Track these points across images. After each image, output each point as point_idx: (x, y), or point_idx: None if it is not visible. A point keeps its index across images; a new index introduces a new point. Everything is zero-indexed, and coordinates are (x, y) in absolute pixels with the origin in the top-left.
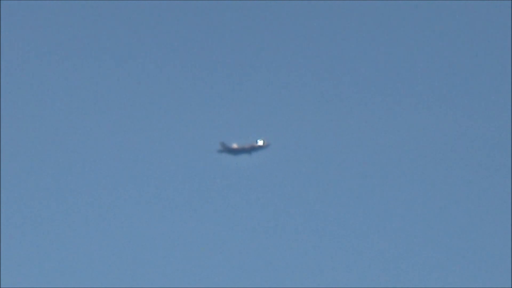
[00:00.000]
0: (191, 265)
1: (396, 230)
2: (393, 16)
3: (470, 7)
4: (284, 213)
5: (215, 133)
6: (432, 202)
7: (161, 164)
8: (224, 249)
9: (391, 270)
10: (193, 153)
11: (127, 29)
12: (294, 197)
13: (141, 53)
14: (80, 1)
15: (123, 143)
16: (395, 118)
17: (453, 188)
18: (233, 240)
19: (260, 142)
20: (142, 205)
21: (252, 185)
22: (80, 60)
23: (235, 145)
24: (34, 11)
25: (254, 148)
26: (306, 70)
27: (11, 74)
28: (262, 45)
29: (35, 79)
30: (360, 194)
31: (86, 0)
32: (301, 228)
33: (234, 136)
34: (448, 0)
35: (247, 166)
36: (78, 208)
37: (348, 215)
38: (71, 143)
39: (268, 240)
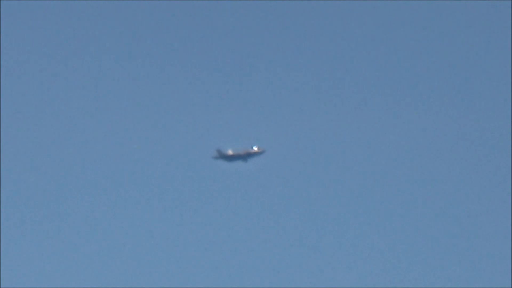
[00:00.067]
0: (187, 271)
1: (396, 231)
2: (393, 16)
3: (470, 7)
4: (280, 220)
5: (211, 139)
6: (432, 202)
7: (156, 171)
8: (220, 256)
9: (391, 270)
10: (189, 160)
11: (127, 30)
12: (290, 204)
13: (139, 58)
14: (80, 1)
15: (118, 150)
16: (395, 118)
17: (453, 188)
18: (229, 247)
19: (256, 149)
20: (137, 211)
21: (248, 191)
22: (80, 60)
23: (230, 152)
24: (34, 11)
25: (249, 155)
26: (301, 77)
27: (11, 74)
28: (257, 53)
29: (35, 79)
30: (357, 200)
31: (86, 0)
32: (297, 234)
33: (229, 143)
34: (448, 0)
35: (243, 173)
36: (74, 212)
37: (345, 221)
38: (67, 145)
39: (264, 246)
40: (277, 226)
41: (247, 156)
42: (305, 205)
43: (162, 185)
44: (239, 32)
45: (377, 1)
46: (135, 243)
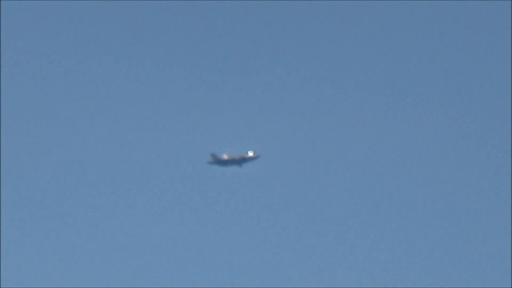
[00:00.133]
0: (182, 275)
1: (396, 233)
2: (393, 16)
3: (470, 7)
4: (275, 225)
5: (205, 144)
6: (432, 202)
7: (151, 176)
8: (215, 261)
9: (391, 270)
10: (184, 164)
11: (127, 30)
12: (284, 209)
13: (135, 62)
14: (80, 1)
15: (113, 154)
16: (395, 118)
17: (453, 188)
18: (224, 251)
19: (251, 153)
20: (132, 216)
21: (242, 196)
22: (80, 60)
23: (225, 156)
24: (34, 11)
25: (244, 160)
26: (296, 81)
27: (11, 74)
28: (252, 57)
29: (35, 79)
30: (353, 204)
31: (86, 0)
32: (292, 239)
33: (224, 147)
34: (448, 0)
35: (238, 178)
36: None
37: (340, 225)
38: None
39: (259, 251)
40: (272, 231)
41: (241, 161)
42: (300, 210)
43: (157, 190)
44: (234, 36)
45: (377, 1)
46: (130, 247)
